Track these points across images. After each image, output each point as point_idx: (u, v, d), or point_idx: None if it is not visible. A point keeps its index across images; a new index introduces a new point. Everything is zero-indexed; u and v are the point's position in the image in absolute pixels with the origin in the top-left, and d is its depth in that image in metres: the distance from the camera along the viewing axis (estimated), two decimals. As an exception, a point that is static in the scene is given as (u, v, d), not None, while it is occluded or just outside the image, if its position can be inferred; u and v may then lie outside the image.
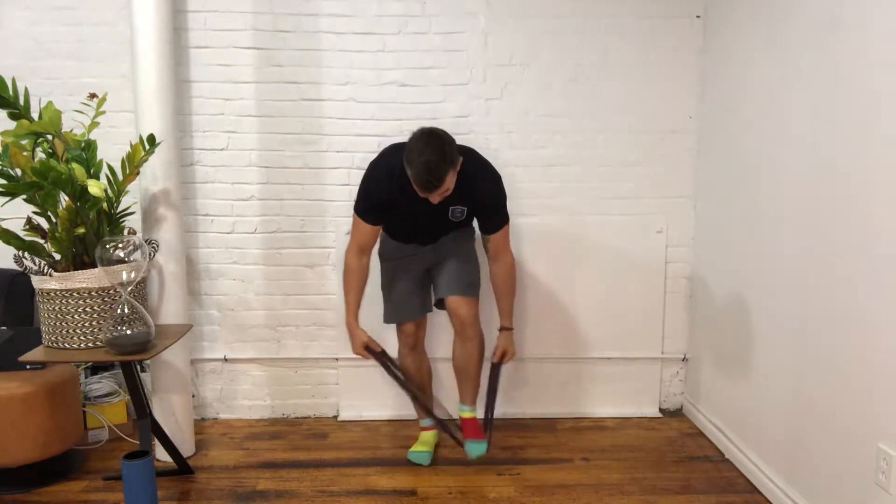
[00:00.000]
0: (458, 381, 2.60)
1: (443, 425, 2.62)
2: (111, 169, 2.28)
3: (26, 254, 2.16)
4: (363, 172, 2.37)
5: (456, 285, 2.45)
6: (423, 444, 2.63)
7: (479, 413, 2.59)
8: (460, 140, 2.89)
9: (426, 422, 2.68)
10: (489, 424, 2.56)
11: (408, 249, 2.50)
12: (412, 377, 2.62)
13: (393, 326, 2.63)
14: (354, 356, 2.99)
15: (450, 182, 2.13)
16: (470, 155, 2.31)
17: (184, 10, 2.78)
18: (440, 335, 2.90)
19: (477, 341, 2.50)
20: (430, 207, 2.24)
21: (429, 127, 2.20)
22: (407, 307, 2.55)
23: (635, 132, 2.96)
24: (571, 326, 3.05)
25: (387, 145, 2.42)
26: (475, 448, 2.51)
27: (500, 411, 3.04)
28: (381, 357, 2.50)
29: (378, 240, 2.51)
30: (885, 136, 1.74)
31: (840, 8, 1.94)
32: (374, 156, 2.93)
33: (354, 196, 2.90)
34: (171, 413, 2.61)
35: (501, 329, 2.53)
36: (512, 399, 3.06)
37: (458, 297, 2.44)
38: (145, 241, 2.33)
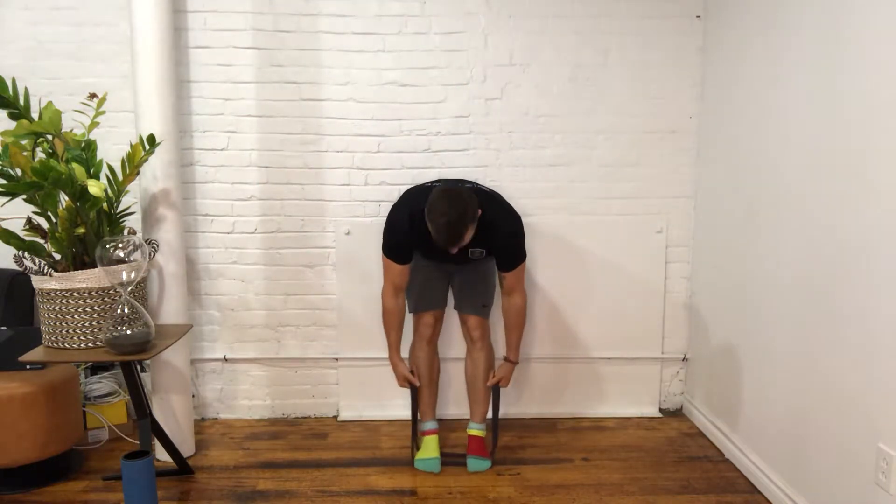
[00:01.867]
0: (469, 396, 2.73)
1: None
2: (111, 169, 2.28)
3: (26, 254, 2.16)
4: (385, 217, 2.50)
5: (472, 306, 2.65)
6: (430, 450, 2.61)
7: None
8: (461, 140, 2.92)
9: (429, 425, 2.68)
10: (493, 445, 2.63)
11: (437, 262, 2.62)
12: (422, 371, 2.67)
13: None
14: (354, 357, 3.02)
15: (469, 236, 2.24)
16: (491, 203, 2.45)
17: (184, 10, 2.78)
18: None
19: (485, 353, 2.67)
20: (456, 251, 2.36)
21: (453, 183, 2.37)
22: (430, 297, 2.66)
23: (635, 132, 2.95)
24: (571, 326, 3.05)
25: (406, 190, 2.60)
26: (477, 465, 2.57)
27: (500, 410, 3.04)
28: (415, 393, 2.65)
29: None
30: (885, 135, 1.74)
31: (840, 8, 1.94)
32: (373, 154, 2.95)
33: (354, 196, 2.94)
34: (171, 413, 2.61)
35: (505, 359, 2.63)
36: (512, 399, 3.06)
37: (469, 315, 2.65)
38: (145, 241, 2.33)
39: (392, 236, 2.46)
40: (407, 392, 2.98)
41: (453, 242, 2.20)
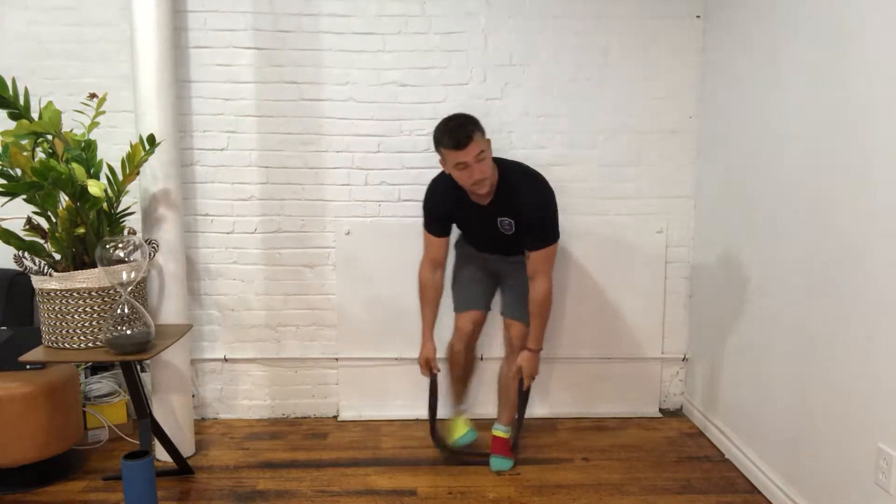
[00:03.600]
0: (499, 398, 2.69)
1: (456, 456, 2.64)
2: (111, 169, 2.28)
3: (26, 254, 2.16)
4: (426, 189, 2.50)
5: (516, 311, 2.55)
6: (462, 426, 2.61)
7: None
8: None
9: (459, 407, 2.70)
10: (516, 445, 2.61)
11: (481, 252, 2.60)
12: (453, 369, 2.65)
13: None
14: (354, 357, 3.02)
15: (480, 144, 2.21)
16: (516, 165, 2.42)
17: (184, 10, 2.78)
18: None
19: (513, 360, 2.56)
20: (483, 218, 2.39)
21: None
22: (470, 297, 2.61)
23: (635, 132, 2.96)
24: (571, 326, 3.04)
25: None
26: (500, 463, 2.56)
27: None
28: (433, 381, 2.61)
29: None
30: (885, 135, 1.74)
31: (840, 7, 1.94)
32: (373, 154, 2.96)
33: (354, 196, 2.95)
34: (171, 413, 2.61)
35: (523, 348, 2.52)
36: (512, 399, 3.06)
37: (514, 321, 2.56)
38: (145, 241, 2.33)
39: (428, 207, 2.47)
40: (406, 392, 3.00)
41: (463, 136, 2.17)
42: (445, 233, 2.48)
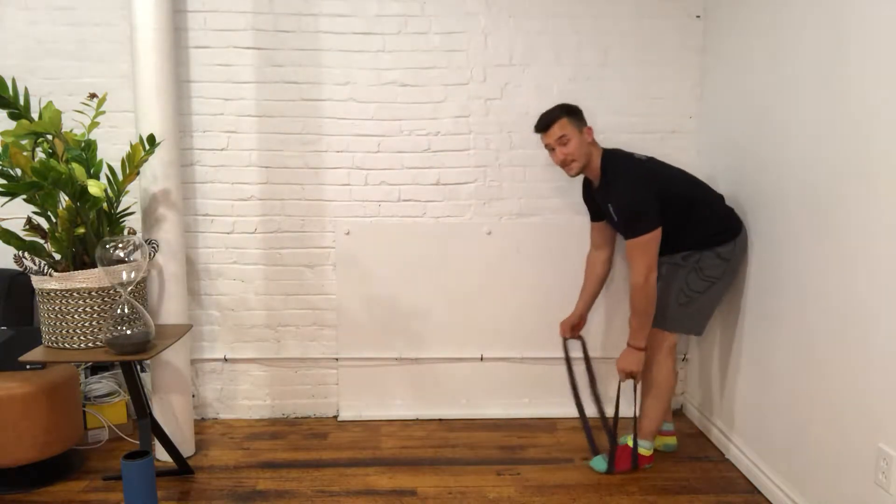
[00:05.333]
0: None
1: (585, 425, 2.73)
2: (111, 169, 2.28)
3: (26, 254, 2.16)
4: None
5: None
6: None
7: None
8: (461, 140, 2.92)
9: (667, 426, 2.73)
10: (611, 447, 2.56)
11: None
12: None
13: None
14: (354, 357, 3.02)
15: (563, 130, 2.39)
16: (617, 158, 2.46)
17: (184, 10, 2.78)
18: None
19: (652, 369, 2.53)
20: (600, 204, 2.54)
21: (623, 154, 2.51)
22: None
23: (635, 132, 2.95)
24: (571, 326, 3.05)
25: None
26: (596, 462, 2.58)
27: (500, 411, 3.05)
28: (564, 347, 2.82)
29: None
30: (885, 135, 1.74)
31: (840, 7, 1.94)
32: (373, 154, 2.96)
33: (354, 196, 2.95)
34: (171, 413, 2.61)
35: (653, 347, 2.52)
36: (512, 399, 3.06)
37: None
38: (145, 241, 2.33)
39: None
40: (406, 392, 3.02)
41: (541, 124, 2.43)
42: (594, 217, 2.67)
